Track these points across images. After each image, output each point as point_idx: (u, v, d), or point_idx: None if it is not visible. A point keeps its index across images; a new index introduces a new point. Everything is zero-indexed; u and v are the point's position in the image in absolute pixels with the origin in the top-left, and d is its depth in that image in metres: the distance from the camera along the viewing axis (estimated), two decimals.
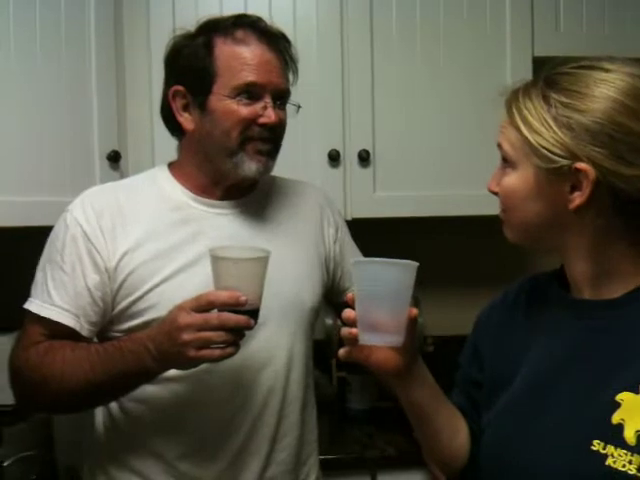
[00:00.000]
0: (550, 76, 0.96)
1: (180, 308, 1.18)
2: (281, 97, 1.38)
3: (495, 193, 1.02)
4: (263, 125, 1.34)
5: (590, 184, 0.91)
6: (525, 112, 0.95)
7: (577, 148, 0.91)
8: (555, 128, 0.92)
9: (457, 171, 2.03)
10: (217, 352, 1.17)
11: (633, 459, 0.85)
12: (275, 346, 1.38)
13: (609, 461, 0.87)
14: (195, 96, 1.36)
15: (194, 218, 1.38)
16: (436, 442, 1.14)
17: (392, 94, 2.03)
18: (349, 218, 1.98)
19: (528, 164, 0.95)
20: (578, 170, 0.91)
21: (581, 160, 0.90)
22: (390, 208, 2.04)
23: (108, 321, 1.35)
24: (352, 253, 1.57)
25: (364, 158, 2.00)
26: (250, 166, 1.35)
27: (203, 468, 1.34)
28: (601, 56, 0.97)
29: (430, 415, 1.11)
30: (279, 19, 1.96)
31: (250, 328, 1.18)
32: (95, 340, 1.37)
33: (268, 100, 1.34)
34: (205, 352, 1.16)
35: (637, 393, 0.87)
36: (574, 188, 0.93)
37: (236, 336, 1.17)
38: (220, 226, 1.38)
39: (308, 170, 1.93)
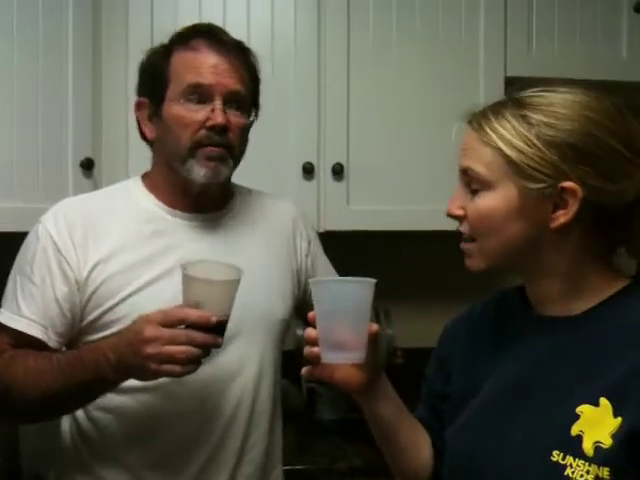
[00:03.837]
0: (519, 98, 0.97)
1: (147, 320, 1.17)
2: (236, 100, 1.35)
3: (457, 217, 1.00)
4: (212, 128, 1.32)
5: (577, 202, 0.92)
6: (503, 131, 0.94)
7: (564, 166, 0.91)
8: (540, 147, 0.92)
9: (430, 186, 2.05)
10: (177, 369, 1.16)
11: (590, 469, 0.87)
12: (245, 357, 1.38)
13: (568, 471, 0.88)
14: (154, 105, 1.37)
15: (166, 231, 1.38)
16: (400, 456, 1.15)
17: (367, 108, 2.05)
18: (322, 231, 1.99)
19: (510, 184, 0.94)
20: (564, 189, 0.92)
21: (568, 179, 0.91)
22: (363, 221, 2.05)
23: (77, 332, 1.34)
24: (324, 267, 1.58)
25: (338, 171, 2.02)
26: (199, 172, 1.33)
27: (170, 479, 1.34)
28: (563, 81, 0.98)
29: (393, 430, 1.12)
30: (257, 33, 2.00)
31: (218, 346, 1.18)
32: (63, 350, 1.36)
33: (217, 103, 1.32)
34: (167, 367, 1.16)
35: (596, 406, 0.89)
36: (557, 207, 0.93)
37: (201, 353, 1.17)
38: (193, 239, 1.38)
39: (282, 182, 1.94)
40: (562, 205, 0.93)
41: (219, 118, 1.31)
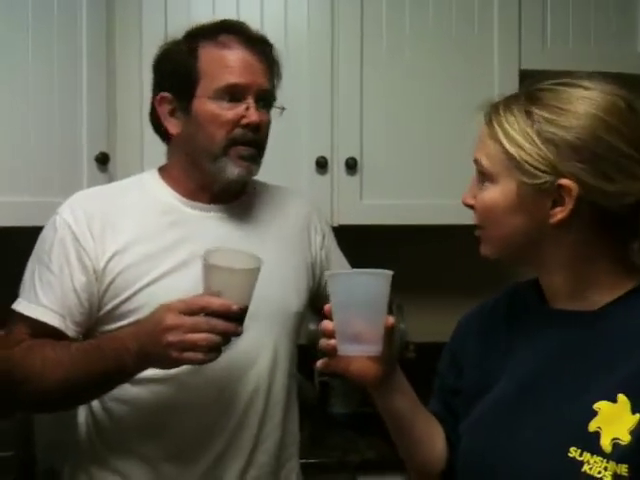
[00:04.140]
0: (532, 92, 0.97)
1: (168, 309, 1.18)
2: (264, 98, 1.38)
3: (470, 206, 1.02)
4: (246, 126, 1.34)
5: (572, 200, 0.92)
6: (507, 126, 0.95)
7: (561, 164, 0.92)
8: (539, 143, 0.92)
9: (442, 180, 2.05)
10: (200, 356, 1.17)
11: (608, 466, 0.87)
12: (259, 348, 1.39)
13: (585, 468, 0.88)
14: (180, 101, 1.37)
15: (183, 221, 1.39)
16: (414, 450, 1.15)
17: (380, 103, 2.05)
18: (336, 225, 1.99)
19: (509, 178, 0.95)
20: (561, 186, 0.92)
21: (564, 176, 0.92)
22: (376, 215, 2.06)
23: (94, 322, 1.36)
24: (338, 260, 1.59)
25: (351, 166, 2.02)
26: (233, 171, 1.35)
27: (185, 470, 1.35)
28: (581, 73, 0.98)
29: (408, 423, 1.12)
30: (271, 27, 1.99)
31: (238, 335, 1.19)
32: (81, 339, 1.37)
33: (251, 101, 1.35)
34: (189, 355, 1.17)
35: (614, 402, 0.89)
36: (556, 203, 0.93)
37: (222, 341, 1.18)
38: (209, 230, 1.39)
39: (296, 177, 1.95)
40: (560, 202, 0.93)
41: (254, 116, 1.34)
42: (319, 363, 1.07)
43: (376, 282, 1.02)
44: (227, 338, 1.18)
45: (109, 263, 1.33)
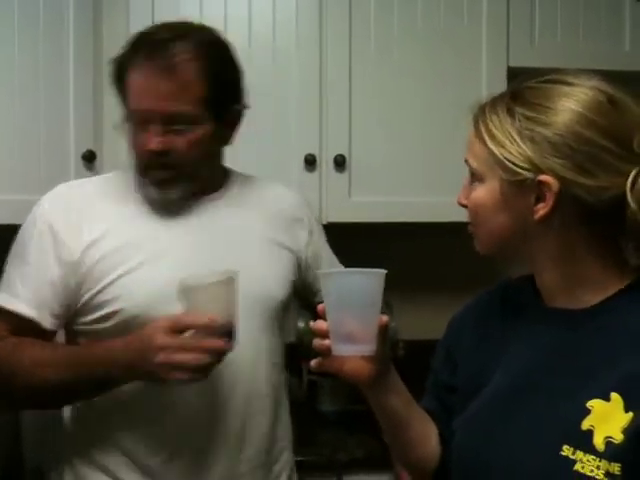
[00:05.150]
0: (516, 90, 0.98)
1: (156, 328, 1.19)
2: (175, 122, 1.30)
3: (464, 206, 1.03)
4: (152, 152, 1.31)
5: (553, 195, 0.92)
6: (490, 125, 0.96)
7: (540, 161, 0.92)
8: (519, 141, 0.93)
9: (431, 178, 2.05)
10: (187, 376, 1.18)
11: (601, 465, 0.87)
12: (241, 341, 1.37)
13: (577, 466, 0.88)
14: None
15: (160, 212, 1.38)
16: (408, 447, 1.15)
17: (369, 100, 2.05)
18: (324, 222, 1.99)
19: (494, 177, 0.96)
20: (541, 182, 0.92)
21: (544, 172, 0.92)
22: (365, 213, 2.05)
23: (73, 314, 1.36)
24: (328, 258, 1.58)
25: (340, 163, 2.02)
26: (152, 193, 1.35)
27: (169, 465, 1.35)
28: (568, 70, 0.99)
29: (403, 422, 1.12)
30: (259, 23, 1.99)
31: (229, 350, 1.19)
32: (62, 333, 1.39)
33: (154, 126, 1.30)
34: (176, 375, 1.18)
35: (607, 400, 0.89)
36: (538, 199, 0.94)
37: (211, 360, 1.19)
38: (186, 221, 1.39)
39: (284, 174, 1.94)
40: (542, 198, 0.93)
41: (152, 144, 1.30)
42: (313, 363, 1.07)
43: (370, 281, 1.02)
44: (219, 355, 1.19)
45: (85, 254, 1.33)
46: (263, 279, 1.41)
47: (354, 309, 1.00)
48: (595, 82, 0.96)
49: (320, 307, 1.03)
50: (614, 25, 2.12)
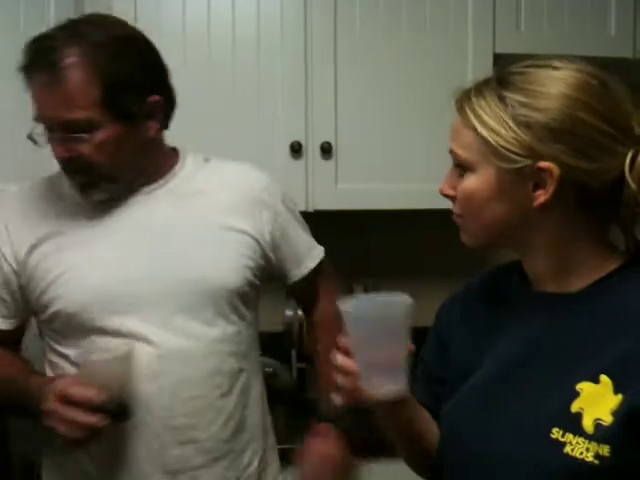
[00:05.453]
0: (502, 75, 0.96)
1: (52, 390, 1.24)
2: (76, 129, 1.27)
3: (448, 196, 1.01)
4: (61, 159, 1.32)
5: (554, 182, 0.91)
6: (480, 112, 0.94)
7: (538, 147, 0.91)
8: (515, 128, 0.92)
9: (418, 165, 2.05)
10: (68, 440, 1.25)
11: (590, 447, 0.87)
12: (187, 334, 1.35)
13: (567, 449, 0.88)
14: None
15: (96, 212, 1.37)
16: (419, 449, 1.13)
17: (355, 87, 2.04)
18: (311, 210, 1.99)
19: (488, 165, 0.94)
20: (541, 169, 0.91)
21: (543, 158, 0.91)
22: (352, 201, 2.05)
23: (32, 312, 1.41)
24: (296, 238, 1.52)
25: (326, 150, 2.01)
26: (79, 197, 1.36)
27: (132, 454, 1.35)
28: (549, 55, 0.97)
29: (422, 427, 1.11)
30: (243, 10, 1.97)
31: (97, 428, 1.22)
32: (35, 329, 1.47)
33: (56, 134, 1.28)
34: (64, 436, 1.24)
35: (597, 383, 0.89)
36: (537, 186, 0.93)
37: (84, 435, 1.23)
38: (120, 218, 1.37)
39: (270, 161, 1.92)
40: (542, 185, 0.92)
41: (56, 152, 1.31)
42: (339, 400, 1.03)
43: (397, 310, 0.96)
44: (91, 431, 1.23)
45: (28, 257, 1.36)
46: (210, 269, 1.37)
47: (382, 346, 0.95)
48: (580, 65, 0.95)
49: (342, 343, 0.99)
50: (599, 11, 2.12)
